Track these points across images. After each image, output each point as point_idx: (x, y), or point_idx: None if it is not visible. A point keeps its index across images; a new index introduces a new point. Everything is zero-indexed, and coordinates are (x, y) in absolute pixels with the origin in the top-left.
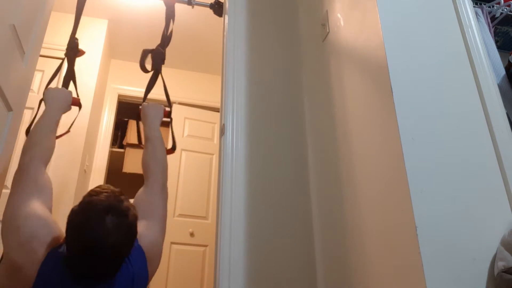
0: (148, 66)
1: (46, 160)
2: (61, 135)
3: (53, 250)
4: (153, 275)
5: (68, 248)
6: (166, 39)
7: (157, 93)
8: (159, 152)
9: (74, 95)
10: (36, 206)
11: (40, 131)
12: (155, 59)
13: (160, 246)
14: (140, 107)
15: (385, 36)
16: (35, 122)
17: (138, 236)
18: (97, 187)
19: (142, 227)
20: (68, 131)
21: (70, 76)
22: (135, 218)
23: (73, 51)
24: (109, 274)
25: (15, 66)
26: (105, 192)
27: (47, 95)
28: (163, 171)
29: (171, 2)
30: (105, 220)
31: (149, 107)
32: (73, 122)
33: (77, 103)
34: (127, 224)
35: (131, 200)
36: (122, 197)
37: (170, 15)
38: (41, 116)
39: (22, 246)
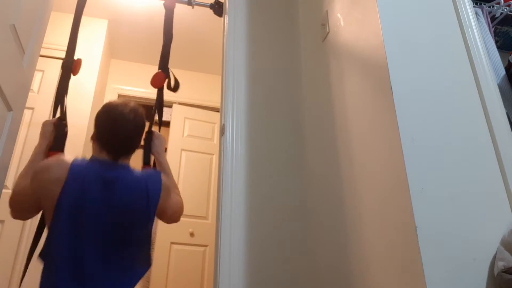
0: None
1: None
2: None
3: (76, 158)
4: (162, 205)
5: (98, 130)
6: (166, 55)
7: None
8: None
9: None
10: None
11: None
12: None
13: (171, 191)
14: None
15: (385, 36)
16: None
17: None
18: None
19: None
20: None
21: (64, 91)
22: (144, 120)
23: (68, 70)
24: (127, 150)
25: (15, 66)
26: (128, 102)
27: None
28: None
29: (171, 6)
30: (126, 110)
31: (159, 138)
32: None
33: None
34: (141, 119)
35: None
36: (139, 109)
37: (169, 20)
38: (34, 153)
39: (57, 163)
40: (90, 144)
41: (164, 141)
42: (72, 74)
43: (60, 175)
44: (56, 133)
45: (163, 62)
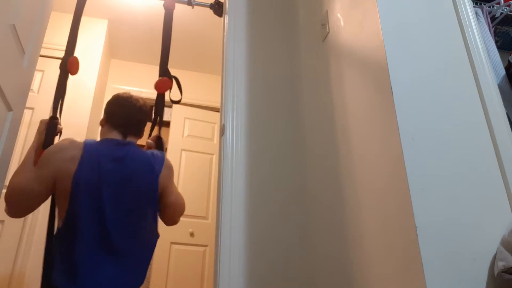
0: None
1: None
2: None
3: (86, 140)
4: (163, 182)
5: (110, 113)
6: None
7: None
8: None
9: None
10: None
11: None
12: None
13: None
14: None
15: (385, 36)
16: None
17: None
18: None
19: None
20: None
21: (62, 92)
22: (148, 108)
23: (64, 70)
24: (135, 130)
25: (15, 66)
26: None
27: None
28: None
29: (171, 7)
30: (134, 99)
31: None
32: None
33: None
34: (146, 107)
35: None
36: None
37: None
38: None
39: (70, 144)
40: None
41: (165, 143)
42: (70, 74)
43: (75, 154)
44: (46, 132)
45: (165, 69)
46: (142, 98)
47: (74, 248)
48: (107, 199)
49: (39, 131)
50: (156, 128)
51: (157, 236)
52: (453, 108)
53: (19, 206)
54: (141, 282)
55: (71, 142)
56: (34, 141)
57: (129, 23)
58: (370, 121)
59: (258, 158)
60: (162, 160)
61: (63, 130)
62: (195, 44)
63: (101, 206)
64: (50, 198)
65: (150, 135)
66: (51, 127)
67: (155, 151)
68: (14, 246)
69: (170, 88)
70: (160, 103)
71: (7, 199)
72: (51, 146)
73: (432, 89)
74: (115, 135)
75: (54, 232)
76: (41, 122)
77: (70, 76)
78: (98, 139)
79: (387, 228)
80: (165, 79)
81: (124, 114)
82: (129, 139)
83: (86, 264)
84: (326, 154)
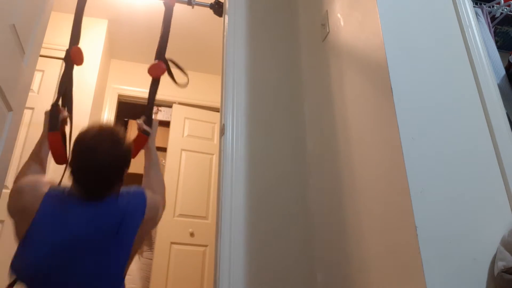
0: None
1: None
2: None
3: (52, 187)
4: (148, 227)
5: (71, 165)
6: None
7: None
8: (159, 176)
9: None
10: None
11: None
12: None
13: (159, 207)
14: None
15: (385, 36)
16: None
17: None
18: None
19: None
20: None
21: (68, 82)
22: (129, 149)
23: (68, 61)
24: (100, 190)
25: (15, 66)
26: (107, 127)
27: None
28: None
29: (171, 5)
30: (102, 139)
31: (155, 125)
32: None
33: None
34: (121, 149)
35: None
36: (121, 134)
37: (167, 18)
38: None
39: (31, 189)
40: None
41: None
42: (75, 64)
43: (33, 206)
44: (49, 116)
45: (161, 54)
46: (115, 132)
47: None
48: (54, 272)
49: (44, 123)
50: (160, 129)
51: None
52: (453, 108)
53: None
54: None
55: (32, 188)
56: (42, 132)
57: (129, 23)
58: (370, 121)
59: (258, 158)
60: (140, 215)
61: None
62: (195, 44)
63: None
64: None
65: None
66: (53, 111)
67: (130, 199)
68: (14, 246)
69: (169, 72)
70: (153, 89)
71: (10, 194)
72: (15, 187)
73: (432, 89)
74: (78, 193)
75: None
76: (46, 113)
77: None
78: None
79: (387, 228)
80: (159, 63)
81: (82, 166)
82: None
83: None
84: (326, 153)
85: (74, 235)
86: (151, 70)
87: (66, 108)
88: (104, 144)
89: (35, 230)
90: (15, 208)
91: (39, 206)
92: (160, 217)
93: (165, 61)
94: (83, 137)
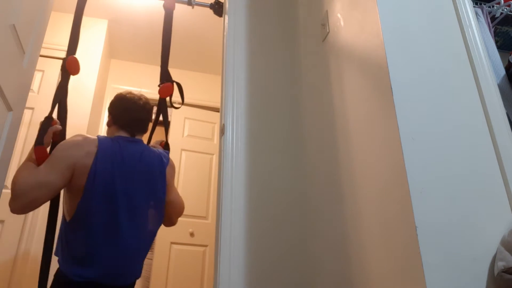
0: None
1: None
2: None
3: (98, 136)
4: (167, 179)
5: (115, 114)
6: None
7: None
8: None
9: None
10: None
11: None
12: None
13: (178, 200)
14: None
15: (385, 36)
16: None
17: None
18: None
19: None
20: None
21: (62, 93)
22: (151, 104)
23: (64, 71)
24: (141, 127)
25: (15, 66)
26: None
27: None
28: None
29: (171, 7)
30: (136, 97)
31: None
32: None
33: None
34: (149, 104)
35: None
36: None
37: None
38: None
39: (84, 139)
40: None
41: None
42: (71, 74)
43: (90, 149)
44: (40, 129)
45: (165, 72)
46: (143, 96)
47: (85, 239)
48: (121, 193)
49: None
50: (159, 129)
51: (154, 234)
52: (453, 108)
53: (28, 198)
54: (140, 272)
55: (85, 138)
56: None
57: (129, 23)
58: (370, 121)
59: (258, 158)
60: (167, 159)
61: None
62: (195, 44)
63: (115, 200)
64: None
65: (151, 134)
66: (44, 125)
67: (161, 150)
68: (14, 246)
69: (172, 93)
70: (163, 106)
71: (18, 193)
72: (65, 141)
73: (432, 89)
74: (124, 134)
75: (58, 226)
76: (41, 123)
77: (71, 76)
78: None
79: (387, 228)
80: (169, 84)
81: (129, 115)
82: (137, 137)
83: (97, 252)
84: (325, 152)
85: (132, 164)
86: (161, 92)
87: (60, 117)
88: (140, 99)
89: (99, 164)
90: (76, 157)
91: (97, 148)
92: (181, 213)
93: (172, 83)
94: (125, 98)
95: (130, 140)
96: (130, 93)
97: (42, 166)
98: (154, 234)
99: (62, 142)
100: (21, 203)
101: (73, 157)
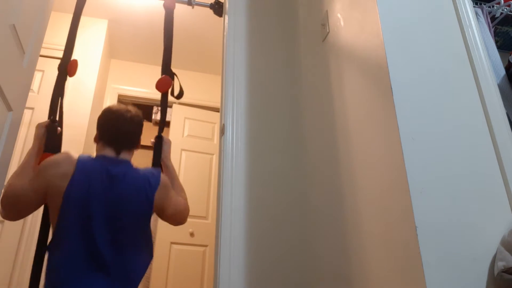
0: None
1: None
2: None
3: (80, 155)
4: (159, 202)
5: (101, 130)
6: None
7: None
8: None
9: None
10: None
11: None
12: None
13: (180, 204)
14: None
15: (385, 36)
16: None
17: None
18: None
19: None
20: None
21: (59, 92)
22: (142, 121)
23: (63, 72)
24: (128, 145)
25: (15, 66)
26: (123, 106)
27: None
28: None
29: (171, 7)
30: (124, 111)
31: (168, 144)
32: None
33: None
34: (137, 118)
35: None
36: (134, 111)
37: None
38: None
39: (64, 158)
40: (89, 144)
41: (170, 145)
42: (68, 76)
43: (67, 170)
44: (47, 135)
45: (166, 67)
46: (133, 108)
47: (60, 265)
48: (97, 217)
49: (37, 136)
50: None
51: (151, 256)
52: (453, 108)
53: (13, 210)
54: None
55: (66, 158)
56: (32, 146)
57: (129, 23)
58: (370, 121)
59: (258, 158)
60: (157, 180)
61: (63, 131)
62: (195, 44)
63: (90, 224)
64: (42, 210)
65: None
66: (51, 131)
67: (151, 169)
68: (14, 246)
69: (172, 86)
70: (163, 102)
71: (3, 202)
72: (48, 159)
73: (432, 89)
74: (109, 152)
75: (47, 243)
76: (38, 126)
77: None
78: (94, 154)
79: (387, 228)
80: (165, 77)
81: (114, 129)
82: (123, 155)
83: (72, 281)
84: (326, 153)
85: (111, 187)
86: (158, 85)
87: (58, 117)
88: (128, 112)
89: (74, 187)
90: (50, 177)
91: (74, 170)
92: (186, 216)
93: (171, 74)
94: (112, 111)
95: (113, 161)
96: (118, 107)
97: (26, 179)
98: (145, 261)
99: (47, 159)
100: (6, 213)
101: (48, 177)
